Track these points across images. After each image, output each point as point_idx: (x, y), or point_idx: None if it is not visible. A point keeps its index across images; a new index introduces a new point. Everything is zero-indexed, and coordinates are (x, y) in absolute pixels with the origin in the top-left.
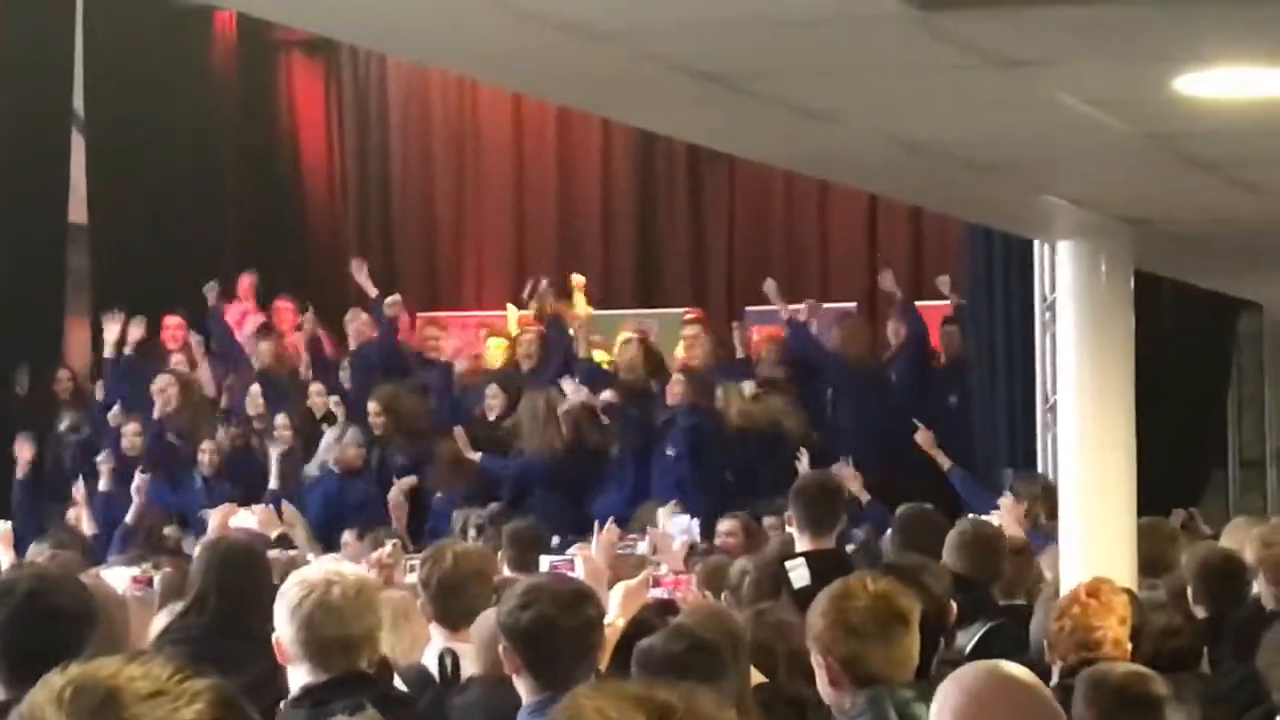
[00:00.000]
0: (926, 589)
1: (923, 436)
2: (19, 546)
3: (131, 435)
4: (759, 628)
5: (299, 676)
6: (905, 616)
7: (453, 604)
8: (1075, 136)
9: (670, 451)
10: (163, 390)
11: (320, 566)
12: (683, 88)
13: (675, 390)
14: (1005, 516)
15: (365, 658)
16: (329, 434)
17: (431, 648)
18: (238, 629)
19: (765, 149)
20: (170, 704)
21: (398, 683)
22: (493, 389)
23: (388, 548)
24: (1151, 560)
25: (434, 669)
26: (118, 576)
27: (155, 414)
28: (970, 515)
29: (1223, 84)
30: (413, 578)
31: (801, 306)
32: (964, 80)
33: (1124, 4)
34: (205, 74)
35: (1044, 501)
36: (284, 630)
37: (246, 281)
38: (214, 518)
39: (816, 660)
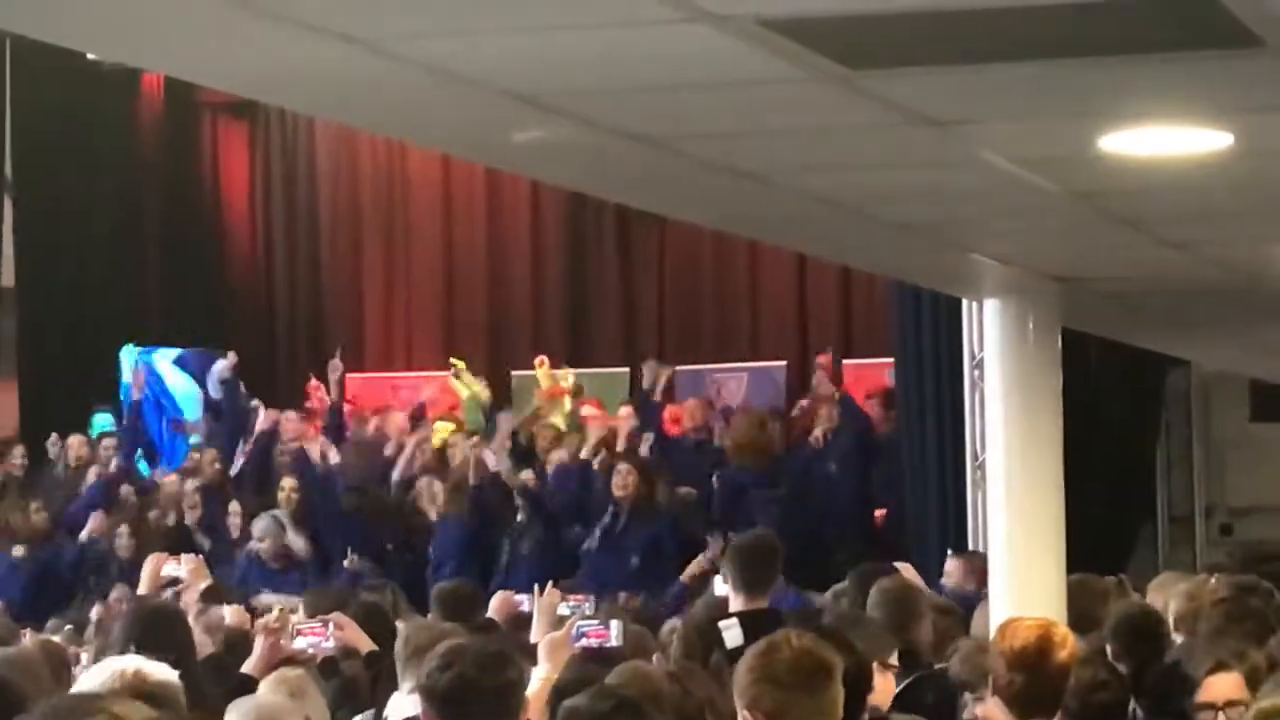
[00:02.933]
0: (848, 646)
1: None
2: None
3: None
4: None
5: None
6: (829, 669)
7: None
8: (1001, 195)
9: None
10: None
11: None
12: (609, 148)
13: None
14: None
15: None
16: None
17: None
18: None
19: (692, 208)
20: None
21: None
22: None
23: (274, 613)
24: (1082, 617)
25: None
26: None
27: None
28: (888, 571)
29: (1147, 142)
30: (300, 641)
31: None
32: (889, 139)
33: (1048, 63)
34: (132, 136)
35: None
36: None
37: None
38: (146, 566)
39: (743, 716)
